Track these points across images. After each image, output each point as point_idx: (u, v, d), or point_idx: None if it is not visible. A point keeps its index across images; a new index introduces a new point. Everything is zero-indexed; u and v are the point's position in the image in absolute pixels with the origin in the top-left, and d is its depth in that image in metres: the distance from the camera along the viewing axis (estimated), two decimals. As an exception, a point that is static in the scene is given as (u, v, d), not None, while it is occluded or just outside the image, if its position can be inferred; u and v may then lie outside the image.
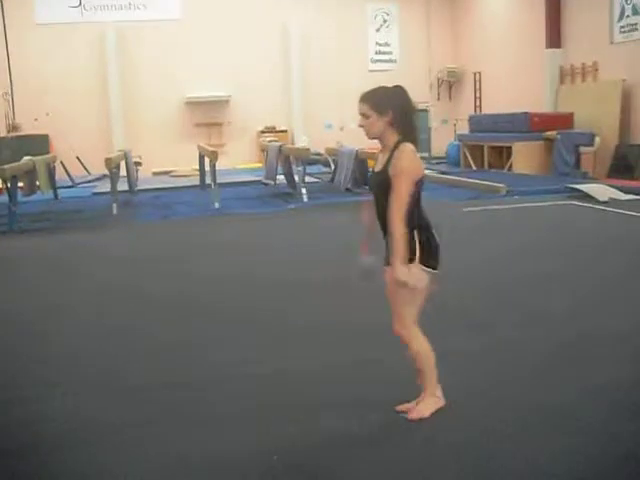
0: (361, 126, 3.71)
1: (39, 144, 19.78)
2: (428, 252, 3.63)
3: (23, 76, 20.60)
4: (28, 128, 20.89)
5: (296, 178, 13.86)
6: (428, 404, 3.81)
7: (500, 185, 13.55)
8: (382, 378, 4.27)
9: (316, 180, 16.12)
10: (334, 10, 22.78)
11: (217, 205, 12.90)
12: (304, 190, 13.52)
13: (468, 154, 19.58)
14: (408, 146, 3.59)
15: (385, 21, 23.68)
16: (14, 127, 21.09)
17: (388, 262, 3.64)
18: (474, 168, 18.99)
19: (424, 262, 3.62)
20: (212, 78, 21.91)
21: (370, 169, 10.52)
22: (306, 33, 22.47)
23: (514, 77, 20.29)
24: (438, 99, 24.10)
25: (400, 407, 3.89)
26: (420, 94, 23.20)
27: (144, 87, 21.72)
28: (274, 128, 22.42)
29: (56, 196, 15.03)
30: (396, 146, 3.61)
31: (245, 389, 4.39)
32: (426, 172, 15.84)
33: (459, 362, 4.61)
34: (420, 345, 3.74)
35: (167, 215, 12.63)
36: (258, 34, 22.17)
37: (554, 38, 18.55)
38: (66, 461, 3.59)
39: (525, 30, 19.92)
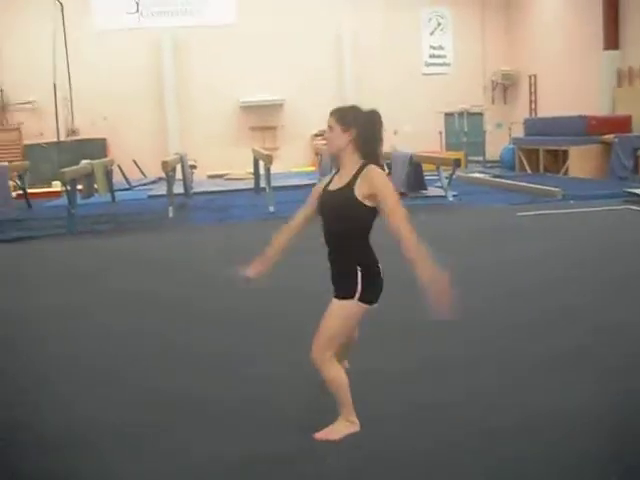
0: (324, 139, 3.63)
1: (97, 148, 20.24)
2: (370, 290, 3.54)
3: (82, 81, 21.08)
4: (86, 132, 21.38)
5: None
6: (340, 427, 3.67)
7: (556, 189, 13.36)
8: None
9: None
10: (388, 13, 22.75)
11: (272, 209, 12.87)
12: (357, 194, 13.45)
13: (523, 158, 19.38)
14: (378, 168, 3.53)
15: (439, 24, 23.58)
16: (73, 131, 21.58)
17: (335, 295, 3.59)
18: (529, 172, 18.79)
19: (364, 299, 3.53)
20: (266, 82, 22.08)
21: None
22: (359, 36, 22.49)
23: (570, 80, 20.02)
24: (493, 102, 23.93)
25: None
26: (474, 97, 23.16)
27: (199, 91, 22.01)
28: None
29: (113, 199, 15.34)
30: (363, 166, 3.52)
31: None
32: (480, 176, 15.58)
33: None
34: (332, 372, 3.58)
35: (222, 218, 12.75)
36: (312, 38, 22.29)
37: (611, 40, 18.25)
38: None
39: (582, 32, 19.63)
